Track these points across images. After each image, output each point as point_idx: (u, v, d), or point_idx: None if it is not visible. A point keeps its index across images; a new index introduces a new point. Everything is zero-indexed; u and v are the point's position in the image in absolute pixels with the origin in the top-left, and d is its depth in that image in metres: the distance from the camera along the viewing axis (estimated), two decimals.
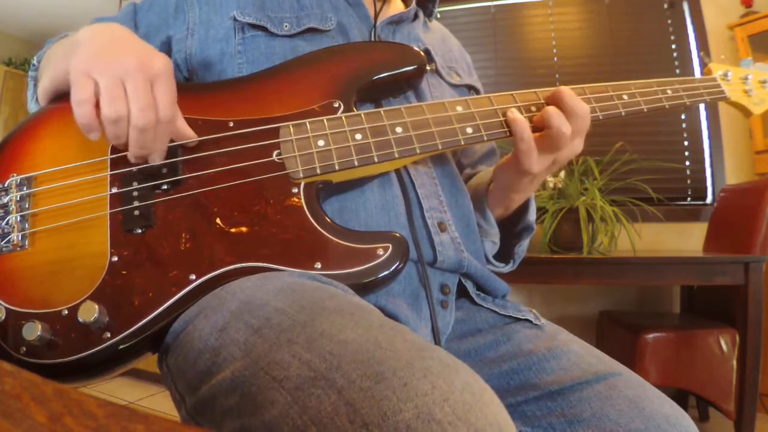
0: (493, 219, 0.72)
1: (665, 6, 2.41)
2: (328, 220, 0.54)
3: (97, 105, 0.48)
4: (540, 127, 0.61)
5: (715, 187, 2.25)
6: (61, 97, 0.58)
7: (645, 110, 0.67)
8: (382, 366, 0.33)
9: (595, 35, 2.49)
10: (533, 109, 0.62)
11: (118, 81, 0.48)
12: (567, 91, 0.61)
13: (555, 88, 0.62)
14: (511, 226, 0.76)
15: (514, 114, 0.60)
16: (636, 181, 2.04)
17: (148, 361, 0.51)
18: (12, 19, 3.90)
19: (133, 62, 0.48)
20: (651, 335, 1.57)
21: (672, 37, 2.39)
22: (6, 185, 0.54)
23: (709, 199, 2.28)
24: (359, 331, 0.37)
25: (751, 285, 1.49)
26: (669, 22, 2.40)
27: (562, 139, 0.59)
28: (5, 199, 0.53)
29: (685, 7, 2.38)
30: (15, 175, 0.54)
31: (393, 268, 0.52)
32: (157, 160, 0.53)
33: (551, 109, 0.59)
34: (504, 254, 0.77)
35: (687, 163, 2.31)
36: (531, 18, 2.59)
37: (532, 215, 0.74)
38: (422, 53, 0.64)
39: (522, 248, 0.76)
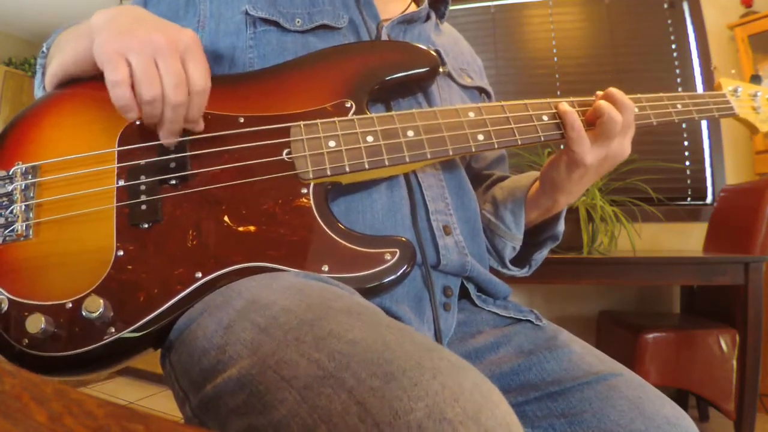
0: (524, 224, 0.72)
1: (665, 6, 2.41)
2: (337, 222, 0.53)
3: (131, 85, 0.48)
4: (591, 121, 0.63)
5: (715, 187, 2.25)
6: (69, 83, 0.58)
7: (655, 123, 0.68)
8: (391, 366, 0.33)
9: (595, 35, 2.49)
10: (544, 118, 0.62)
11: (151, 60, 0.48)
12: (616, 90, 0.63)
13: (605, 91, 0.63)
14: (536, 235, 0.75)
15: (565, 106, 0.62)
16: (636, 181, 2.04)
17: (149, 361, 0.51)
18: (12, 19, 3.90)
19: (163, 39, 0.48)
20: (651, 335, 1.57)
21: (672, 37, 2.39)
22: (11, 173, 0.52)
23: (709, 199, 2.28)
24: (367, 331, 0.37)
25: (751, 285, 1.49)
26: (669, 22, 2.40)
27: (614, 126, 0.60)
28: (9, 188, 0.52)
29: (685, 7, 2.38)
30: (20, 163, 0.53)
31: (400, 272, 0.52)
32: (199, 128, 0.53)
33: (603, 101, 0.61)
34: (520, 260, 0.76)
35: (687, 163, 2.31)
36: (531, 18, 2.59)
37: (561, 225, 0.74)
38: (435, 54, 0.64)
39: (542, 255, 0.76)
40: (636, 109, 0.65)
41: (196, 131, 0.54)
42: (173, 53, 0.49)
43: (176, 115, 0.50)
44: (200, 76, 0.50)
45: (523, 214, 0.71)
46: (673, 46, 2.39)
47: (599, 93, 0.64)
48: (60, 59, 0.57)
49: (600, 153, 0.62)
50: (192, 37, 0.51)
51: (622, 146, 0.63)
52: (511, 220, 0.71)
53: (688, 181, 2.31)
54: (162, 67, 0.48)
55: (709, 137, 2.29)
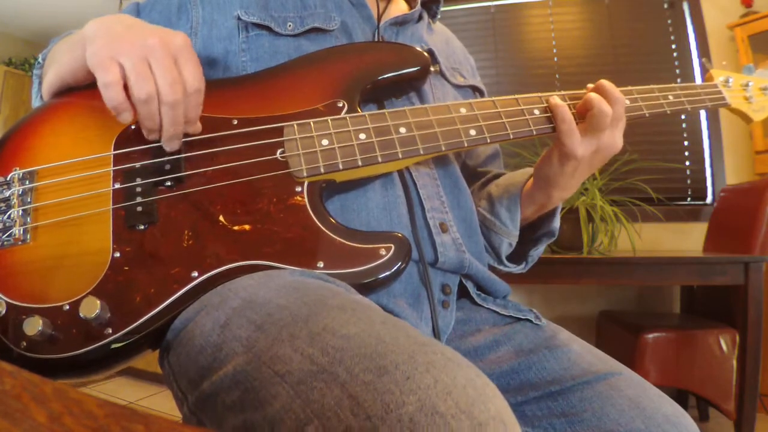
0: (519, 221, 0.72)
1: (665, 6, 2.42)
2: (331, 219, 0.54)
3: (125, 87, 0.49)
4: (582, 114, 0.63)
5: (715, 187, 2.25)
6: (65, 92, 0.58)
7: (647, 115, 0.68)
8: (384, 360, 0.33)
9: (595, 35, 2.49)
10: (535, 112, 0.63)
11: (144, 60, 0.49)
12: (607, 82, 0.63)
13: (596, 83, 0.64)
14: (532, 232, 0.76)
15: (556, 100, 0.63)
16: (636, 181, 2.04)
17: (148, 361, 0.51)
18: (13, 19, 3.90)
19: (155, 41, 0.49)
20: (651, 335, 1.57)
21: (672, 37, 2.39)
22: (8, 179, 0.53)
23: (709, 199, 2.28)
24: (361, 326, 0.37)
25: (751, 285, 1.48)
26: (669, 22, 2.40)
27: (604, 119, 0.60)
28: (7, 193, 0.52)
29: (685, 7, 2.38)
30: (17, 169, 0.54)
31: (395, 268, 0.52)
32: (197, 129, 0.54)
33: (592, 94, 0.62)
34: (517, 256, 0.77)
35: (687, 163, 2.32)
36: (531, 18, 2.59)
37: (557, 221, 0.75)
38: (426, 54, 0.64)
39: (538, 252, 0.77)
40: (627, 101, 0.66)
41: (195, 133, 0.54)
42: (166, 54, 0.49)
43: (175, 114, 0.50)
44: (194, 76, 0.51)
45: (519, 210, 0.71)
46: (673, 46, 2.39)
47: (590, 86, 0.65)
48: (56, 69, 0.58)
49: (591, 145, 0.63)
50: (184, 40, 0.51)
51: (614, 139, 0.63)
52: (506, 216, 0.72)
53: (688, 181, 2.31)
54: (155, 67, 0.49)
55: (709, 137, 2.29)
